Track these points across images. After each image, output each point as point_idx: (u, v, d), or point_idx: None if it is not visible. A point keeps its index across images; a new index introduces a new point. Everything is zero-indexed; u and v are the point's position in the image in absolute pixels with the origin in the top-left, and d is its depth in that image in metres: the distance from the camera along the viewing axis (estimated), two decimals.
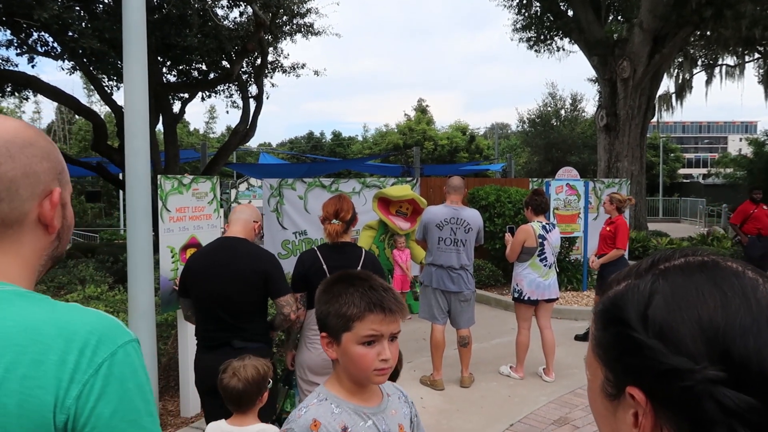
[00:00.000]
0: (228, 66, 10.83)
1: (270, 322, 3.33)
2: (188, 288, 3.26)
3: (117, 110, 10.11)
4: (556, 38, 18.69)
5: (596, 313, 0.72)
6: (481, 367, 5.96)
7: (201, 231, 4.79)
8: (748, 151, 29.60)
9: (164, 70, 10.92)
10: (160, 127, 11.74)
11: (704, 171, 60.82)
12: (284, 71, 12.47)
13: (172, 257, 4.52)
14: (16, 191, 0.91)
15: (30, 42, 9.47)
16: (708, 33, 16.14)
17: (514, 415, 4.84)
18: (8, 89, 10.36)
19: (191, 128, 43.21)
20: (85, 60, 9.31)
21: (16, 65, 10.03)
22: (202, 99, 12.93)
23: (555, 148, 31.08)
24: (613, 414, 0.68)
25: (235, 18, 11.14)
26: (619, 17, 18.02)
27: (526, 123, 33.83)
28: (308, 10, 11.42)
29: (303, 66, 12.52)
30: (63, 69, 20.11)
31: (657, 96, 17.66)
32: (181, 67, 11.11)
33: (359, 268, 3.36)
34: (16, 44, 9.44)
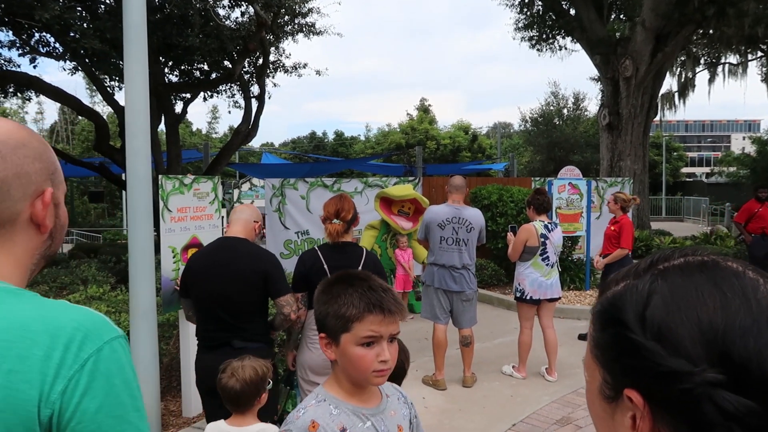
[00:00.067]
0: (230, 66, 10.82)
1: (270, 322, 3.32)
2: (189, 288, 3.26)
3: (119, 110, 10.11)
4: (558, 37, 18.66)
5: (594, 314, 0.71)
6: (483, 366, 5.95)
7: (202, 231, 4.78)
8: (751, 149, 29.53)
9: (166, 70, 10.92)
10: (162, 127, 11.75)
11: (707, 170, 60.70)
12: (286, 71, 12.47)
13: (174, 257, 4.52)
14: (7, 191, 0.92)
15: (32, 42, 9.48)
16: (710, 31, 16.10)
17: (517, 414, 4.83)
18: (10, 90, 10.38)
19: (194, 128, 43.26)
20: (87, 60, 9.31)
21: (19, 66, 10.05)
22: (204, 99, 12.94)
23: (557, 147, 31.05)
24: (611, 416, 0.67)
25: (237, 18, 11.14)
26: (622, 16, 17.98)
27: (529, 122, 33.83)
28: (310, 10, 11.42)
29: (305, 66, 12.51)
30: (65, 69, 20.12)
31: (660, 95, 17.61)
32: (183, 67, 11.10)
33: (360, 268, 3.36)
34: (18, 45, 9.45)
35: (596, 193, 11.06)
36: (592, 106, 37.53)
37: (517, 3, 18.32)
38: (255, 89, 11.94)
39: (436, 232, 5.32)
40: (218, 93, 12.67)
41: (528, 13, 18.35)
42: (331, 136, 49.47)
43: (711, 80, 19.31)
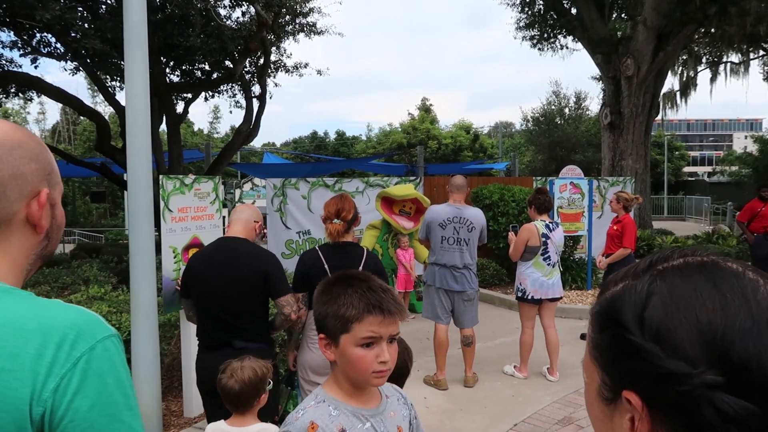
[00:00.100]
0: (231, 66, 10.82)
1: (270, 323, 3.32)
2: (189, 288, 3.26)
3: (120, 110, 10.12)
4: (559, 36, 18.63)
5: (593, 315, 0.70)
6: (484, 366, 5.94)
7: (203, 231, 4.78)
8: (753, 148, 29.48)
9: (167, 70, 10.92)
10: (164, 127, 11.76)
11: (709, 169, 60.64)
12: (287, 71, 12.46)
13: (175, 257, 4.51)
14: (3, 192, 0.93)
15: (33, 43, 9.49)
16: (712, 30, 16.06)
17: (518, 414, 4.82)
18: (12, 90, 10.39)
19: (195, 128, 43.32)
20: (88, 60, 9.32)
21: (20, 66, 10.06)
22: (206, 99, 12.95)
23: (559, 147, 31.05)
24: (610, 418, 0.66)
25: (238, 18, 11.13)
26: (623, 15, 17.96)
27: (530, 121, 33.84)
28: (311, 10, 11.41)
29: (306, 65, 12.50)
30: (66, 70, 20.15)
31: (661, 94, 17.57)
32: (184, 67, 11.10)
33: (361, 268, 3.35)
34: (19, 45, 9.46)
35: (598, 192, 11.04)
36: (594, 105, 37.51)
37: (518, 2, 18.31)
38: (256, 89, 11.94)
39: (437, 231, 5.32)
40: (219, 93, 12.68)
41: (529, 12, 18.34)
42: (332, 136, 49.50)
43: (713, 79, 19.27)
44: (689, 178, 43.02)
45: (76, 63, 10.09)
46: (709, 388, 0.55)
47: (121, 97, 11.11)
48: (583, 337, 6.97)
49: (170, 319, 5.03)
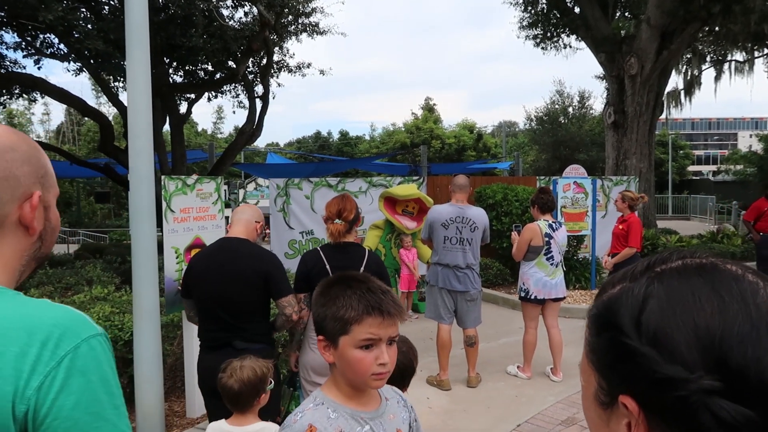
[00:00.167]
0: (233, 66, 10.84)
1: (272, 323, 3.31)
2: (190, 289, 3.26)
3: (124, 111, 10.11)
4: (562, 35, 18.58)
5: (590, 317, 0.69)
6: (488, 366, 5.93)
7: (205, 231, 4.78)
8: (758, 147, 29.38)
9: (170, 70, 10.94)
10: (167, 127, 11.78)
11: (714, 168, 60.44)
12: (290, 71, 12.48)
13: (177, 258, 4.51)
14: None
15: (37, 44, 9.52)
16: (716, 28, 15.99)
17: (522, 415, 4.81)
18: (16, 91, 10.43)
19: (199, 129, 43.39)
20: (91, 61, 9.34)
21: (24, 67, 10.10)
22: (209, 99, 12.97)
23: (563, 146, 30.99)
24: (607, 423, 0.65)
25: (240, 18, 11.16)
26: (626, 13, 17.89)
27: (534, 121, 33.76)
28: (313, 10, 11.43)
29: (309, 65, 12.52)
30: (69, 71, 20.19)
31: (665, 93, 17.50)
32: (187, 68, 11.12)
33: (362, 268, 3.34)
34: (23, 46, 9.49)
35: (602, 191, 11.02)
36: (598, 104, 37.48)
37: (521, 1, 18.27)
38: (259, 89, 11.96)
39: (440, 231, 5.31)
40: (222, 93, 12.70)
41: (532, 11, 18.29)
42: (335, 136, 49.54)
43: (717, 78, 19.20)
44: (694, 177, 42.89)
45: (79, 64, 10.12)
46: (707, 394, 0.54)
47: (124, 97, 11.11)
48: None
49: (173, 319, 5.03)
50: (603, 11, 16.23)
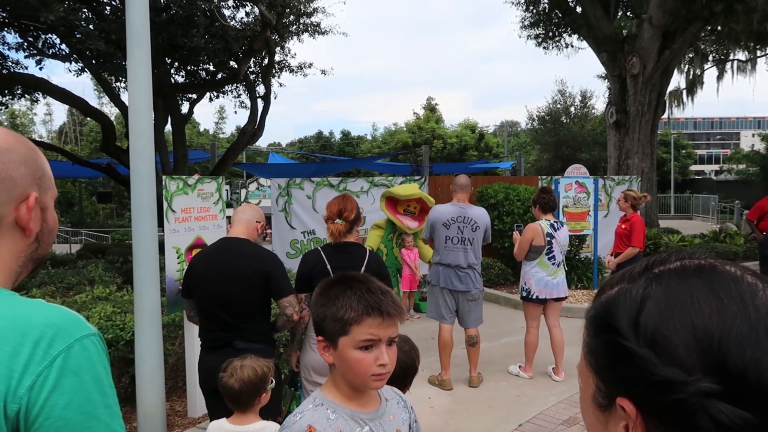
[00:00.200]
0: (235, 66, 10.84)
1: (272, 324, 3.31)
2: (191, 289, 3.26)
3: (125, 111, 10.14)
4: (564, 35, 18.55)
5: (588, 319, 0.69)
6: (489, 366, 5.92)
7: (206, 231, 4.78)
8: (760, 146, 29.32)
9: (172, 71, 10.95)
10: (169, 127, 11.79)
11: (716, 167, 60.33)
12: (291, 71, 12.48)
13: (178, 258, 4.52)
14: None
15: (39, 44, 9.53)
16: (719, 28, 15.95)
17: (523, 415, 4.80)
18: (18, 91, 10.44)
19: (201, 129, 43.44)
20: (93, 61, 9.36)
21: (26, 68, 10.12)
22: (210, 99, 12.98)
23: (565, 146, 30.97)
24: (605, 425, 0.65)
25: (242, 18, 11.15)
26: (628, 13, 17.86)
27: (536, 120, 33.74)
28: (315, 10, 11.42)
29: (310, 65, 12.51)
30: (70, 71, 20.24)
31: (667, 92, 17.47)
32: (188, 68, 11.13)
33: (363, 268, 3.34)
34: (25, 47, 9.50)
35: (603, 191, 11.00)
36: (600, 104, 37.39)
37: (522, 1, 18.23)
38: (261, 89, 11.97)
39: (441, 231, 5.30)
40: (224, 93, 12.70)
41: (534, 10, 18.26)
42: (337, 136, 49.56)
43: (719, 77, 19.15)
44: (696, 177, 42.82)
45: (81, 64, 10.13)
46: (705, 396, 0.54)
47: (126, 97, 11.13)
48: None
49: (174, 319, 5.04)
50: (605, 11, 16.20)
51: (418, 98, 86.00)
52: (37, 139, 24.97)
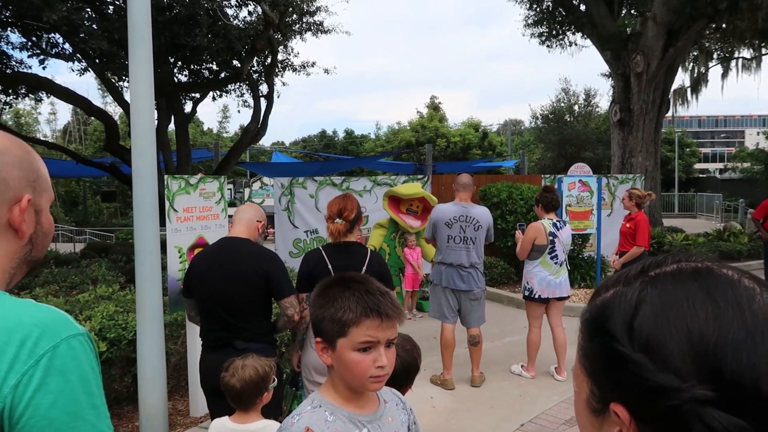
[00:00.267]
0: (238, 65, 10.84)
1: (273, 324, 3.31)
2: (191, 288, 3.26)
3: (129, 110, 10.14)
4: (568, 33, 18.50)
5: (583, 322, 0.68)
6: (492, 366, 5.91)
7: (209, 231, 4.78)
8: (765, 145, 29.21)
9: (175, 70, 10.95)
10: (172, 126, 11.80)
11: (721, 166, 60.10)
12: (294, 70, 12.47)
13: (180, 257, 4.51)
14: None
15: (42, 44, 9.55)
16: (723, 25, 15.88)
17: (525, 414, 4.79)
18: (22, 91, 10.46)
19: (205, 128, 43.49)
20: (96, 61, 9.37)
21: (29, 67, 10.12)
22: (214, 99, 12.99)
23: (569, 144, 30.89)
24: (598, 430, 0.64)
25: (245, 17, 11.16)
26: (632, 11, 17.79)
27: (539, 119, 33.69)
28: (317, 8, 11.41)
29: (313, 64, 12.50)
30: (74, 70, 20.27)
31: (672, 90, 17.41)
32: (191, 67, 11.14)
33: (365, 268, 3.33)
34: (28, 46, 9.52)
35: (607, 190, 10.97)
36: (604, 102, 37.25)
37: None
38: (264, 88, 11.96)
39: (444, 230, 5.29)
40: (227, 92, 12.70)
41: (537, 9, 18.22)
42: (341, 135, 49.55)
43: (724, 75, 19.06)
44: (700, 175, 42.65)
45: (84, 63, 10.14)
46: (700, 404, 0.53)
47: (129, 96, 11.16)
48: None
49: (176, 318, 5.04)
50: (608, 8, 16.15)
51: (421, 97, 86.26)
52: (42, 138, 25.05)
